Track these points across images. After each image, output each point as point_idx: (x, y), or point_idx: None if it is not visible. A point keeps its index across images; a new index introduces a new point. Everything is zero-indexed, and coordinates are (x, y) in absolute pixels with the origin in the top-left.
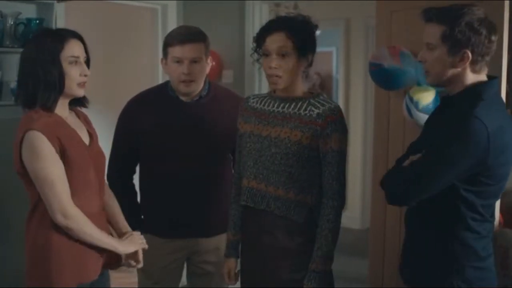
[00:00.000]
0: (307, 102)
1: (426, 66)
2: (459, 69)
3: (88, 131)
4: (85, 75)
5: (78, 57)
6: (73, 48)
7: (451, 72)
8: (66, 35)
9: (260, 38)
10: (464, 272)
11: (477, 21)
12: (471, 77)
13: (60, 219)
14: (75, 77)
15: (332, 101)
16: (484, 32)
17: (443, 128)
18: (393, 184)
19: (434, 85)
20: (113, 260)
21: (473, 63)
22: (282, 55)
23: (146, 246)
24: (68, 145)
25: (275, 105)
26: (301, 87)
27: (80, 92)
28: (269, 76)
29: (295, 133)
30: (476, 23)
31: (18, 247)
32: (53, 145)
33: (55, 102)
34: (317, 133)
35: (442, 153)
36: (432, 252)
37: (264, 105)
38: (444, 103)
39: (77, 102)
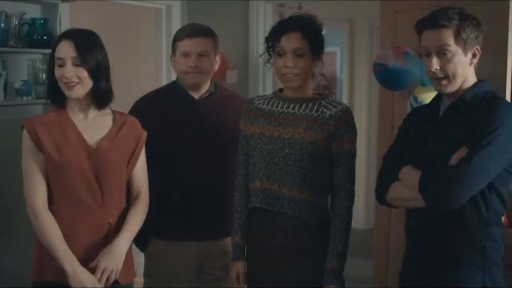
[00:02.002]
0: (317, 103)
1: (446, 72)
2: (471, 67)
3: (108, 135)
4: (65, 76)
5: (61, 58)
6: (59, 50)
7: (468, 71)
8: (60, 36)
9: (274, 38)
10: (492, 270)
11: (473, 17)
12: (473, 75)
13: (27, 210)
14: (59, 78)
15: (342, 102)
16: (481, 28)
17: (476, 123)
18: (438, 186)
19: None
20: (122, 275)
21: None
22: (298, 55)
23: None
24: (53, 146)
25: (284, 106)
26: (309, 88)
27: (67, 93)
28: (283, 75)
29: (309, 133)
30: (475, 20)
31: (18, 247)
32: (33, 142)
33: (57, 100)
34: (331, 134)
35: (492, 143)
36: (463, 250)
37: (272, 106)
38: (455, 106)
39: (100, 102)
